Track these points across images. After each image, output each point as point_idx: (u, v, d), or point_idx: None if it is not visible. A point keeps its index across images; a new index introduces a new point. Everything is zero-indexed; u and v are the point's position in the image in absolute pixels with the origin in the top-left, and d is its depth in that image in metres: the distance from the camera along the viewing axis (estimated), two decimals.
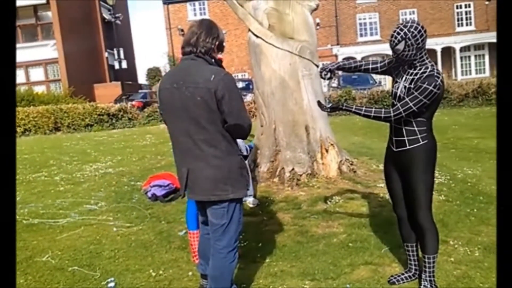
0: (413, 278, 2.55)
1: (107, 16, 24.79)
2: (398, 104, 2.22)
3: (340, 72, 22.19)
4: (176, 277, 2.83)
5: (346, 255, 2.96)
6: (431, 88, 2.14)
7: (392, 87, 2.43)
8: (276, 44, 4.84)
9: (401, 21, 21.32)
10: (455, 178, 4.77)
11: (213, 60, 2.20)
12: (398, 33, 2.18)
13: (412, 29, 2.15)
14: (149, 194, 4.69)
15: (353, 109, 2.34)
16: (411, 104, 2.17)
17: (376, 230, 3.36)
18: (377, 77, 21.58)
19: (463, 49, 25.59)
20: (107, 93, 21.90)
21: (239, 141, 2.83)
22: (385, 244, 3.08)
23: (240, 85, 18.74)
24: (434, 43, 24.76)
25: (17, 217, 4.31)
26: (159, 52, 63.77)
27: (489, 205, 3.80)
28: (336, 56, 25.88)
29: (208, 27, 2.19)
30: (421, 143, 2.26)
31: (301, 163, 4.79)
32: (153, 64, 48.51)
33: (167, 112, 2.23)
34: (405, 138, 2.30)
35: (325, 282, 2.62)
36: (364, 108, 2.33)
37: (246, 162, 4.23)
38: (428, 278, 2.37)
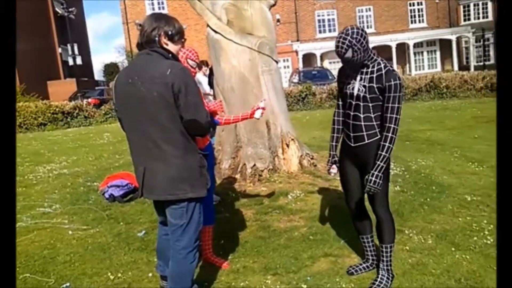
0: (371, 268, 2.63)
1: (60, 10, 23.67)
2: (391, 115, 2.26)
3: (300, 68, 22.49)
4: (135, 279, 2.76)
5: (306, 248, 3.01)
6: (398, 82, 2.25)
7: (344, 88, 2.45)
8: (235, 39, 4.81)
9: (357, 18, 21.87)
10: (410, 169, 4.97)
11: (170, 54, 2.13)
12: (343, 42, 2.23)
13: (355, 35, 2.21)
14: (107, 195, 4.54)
15: (380, 163, 2.27)
16: (397, 105, 2.26)
17: (335, 222, 3.44)
18: (336, 72, 22.12)
19: (416, 45, 26.70)
20: (61, 90, 20.97)
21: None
22: (344, 236, 3.15)
23: None
24: (389, 39, 25.68)
25: None
26: (116, 48, 61.80)
27: (441, 194, 4.00)
28: (296, 52, 26.20)
29: (149, 20, 2.11)
30: (379, 136, 2.33)
31: (263, 159, 4.81)
32: (110, 60, 46.92)
33: (123, 109, 2.13)
34: (364, 133, 2.36)
35: (287, 276, 2.65)
36: (383, 154, 2.27)
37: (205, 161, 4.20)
38: (385, 267, 2.45)
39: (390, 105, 2.26)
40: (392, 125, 2.26)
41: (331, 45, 26.12)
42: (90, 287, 2.68)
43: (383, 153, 2.26)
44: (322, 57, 26.18)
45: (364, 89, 2.32)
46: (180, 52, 2.72)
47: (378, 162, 2.27)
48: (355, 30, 2.23)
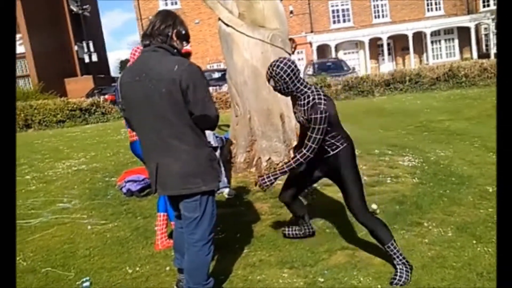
0: (303, 236, 3.00)
1: (74, 8, 23.96)
2: (308, 142, 2.42)
3: (314, 59, 22.30)
4: (153, 273, 2.79)
5: (323, 241, 2.99)
6: (319, 116, 2.36)
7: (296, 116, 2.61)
8: (247, 32, 4.78)
9: (372, 8, 21.40)
10: (428, 160, 4.87)
11: (175, 50, 2.14)
12: (267, 72, 2.46)
13: (275, 68, 2.41)
14: (124, 190, 4.60)
15: (278, 173, 2.56)
16: (316, 136, 2.40)
17: (351, 215, 3.39)
18: (351, 63, 21.83)
19: (434, 33, 26.08)
20: (78, 87, 21.30)
21: (207, 132, 2.81)
22: (361, 229, 3.10)
23: (216, 75, 18.55)
24: (405, 28, 25.15)
25: None
26: (131, 44, 62.35)
27: (460, 185, 3.91)
28: (310, 43, 25.94)
29: (163, 16, 2.12)
30: (341, 147, 2.52)
31: (278, 152, 4.78)
32: (125, 56, 47.34)
33: (130, 108, 2.15)
34: (327, 148, 2.53)
35: (303, 270, 2.63)
36: (285, 166, 2.54)
37: (217, 153, 4.21)
38: (400, 262, 2.41)
39: (310, 134, 2.42)
40: (305, 151, 2.44)
41: (345, 36, 25.91)
42: (109, 281, 2.72)
43: (289, 162, 2.53)
44: (337, 48, 25.86)
45: (305, 121, 2.48)
46: (139, 49, 2.89)
47: (281, 165, 2.59)
48: (277, 63, 2.42)
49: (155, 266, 2.88)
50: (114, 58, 56.89)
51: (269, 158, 4.73)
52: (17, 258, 3.15)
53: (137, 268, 2.86)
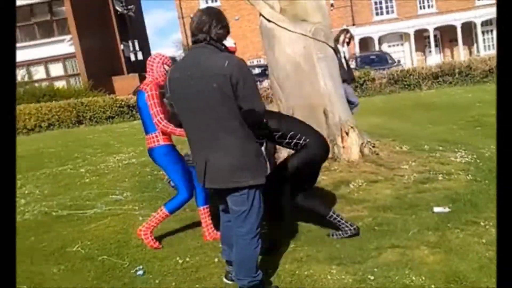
0: (345, 235, 2.99)
1: (119, 8, 24.88)
2: None
3: (357, 52, 21.76)
4: (202, 264, 2.86)
5: (372, 239, 2.93)
6: None
7: None
8: (289, 27, 4.75)
9: None
10: (482, 157, 4.63)
11: (223, 47, 2.21)
12: None
13: None
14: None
15: None
16: None
17: (401, 212, 3.31)
18: (396, 56, 21.11)
19: (484, 23, 24.64)
20: (125, 85, 22.11)
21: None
22: (412, 227, 3.03)
23: (256, 71, 18.61)
24: (453, 19, 23.97)
25: (46, 209, 4.45)
26: (174, 42, 63.86)
27: None
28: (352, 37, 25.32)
29: (218, 16, 2.19)
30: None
31: None
32: (168, 54, 48.63)
33: (180, 103, 2.22)
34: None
35: (352, 267, 2.60)
36: None
37: (262, 148, 4.23)
38: (344, 225, 2.97)
39: None
40: None
41: (389, 28, 25.10)
42: (161, 271, 2.82)
43: None
44: (380, 40, 25.12)
45: None
46: (156, 58, 3.14)
47: None
48: None
49: (204, 257, 2.95)
50: None
51: None
52: (76, 247, 3.35)
53: (187, 259, 2.95)
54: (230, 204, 2.25)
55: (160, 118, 2.94)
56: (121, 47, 24.69)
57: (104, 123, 13.59)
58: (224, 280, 2.59)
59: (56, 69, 21.98)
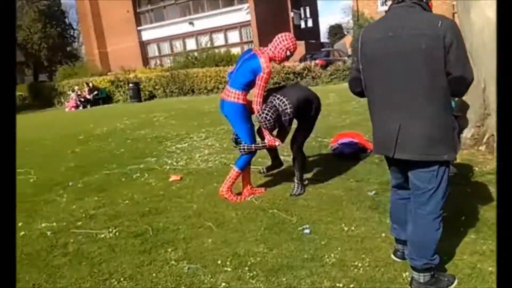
0: None
1: None
2: None
3: None
4: (368, 236, 2.83)
5: None
6: None
7: None
8: None
9: None
10: None
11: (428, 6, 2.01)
12: None
13: None
14: (337, 151, 4.77)
15: None
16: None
17: None
18: None
19: None
20: None
21: None
22: None
23: None
24: None
25: (225, 161, 5.04)
26: (343, 8, 62.28)
27: None
28: None
29: None
30: None
31: None
32: (335, 21, 47.80)
33: (374, 65, 2.08)
34: None
35: None
36: None
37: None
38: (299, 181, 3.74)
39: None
40: None
41: None
42: (326, 233, 2.90)
43: None
44: None
45: None
46: (285, 40, 3.46)
47: None
48: None
49: (370, 230, 2.91)
50: (323, 23, 58.34)
51: None
52: (250, 197, 3.71)
53: (352, 228, 2.95)
54: (414, 180, 2.09)
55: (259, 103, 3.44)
56: (291, 14, 25.37)
57: None
58: (392, 256, 2.51)
59: (233, 36, 24.12)
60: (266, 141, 3.60)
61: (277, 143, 3.63)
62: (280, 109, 3.41)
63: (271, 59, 3.45)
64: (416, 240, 2.15)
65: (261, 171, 4.22)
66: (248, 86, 3.45)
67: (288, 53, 3.44)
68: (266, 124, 3.40)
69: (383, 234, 2.80)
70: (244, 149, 3.58)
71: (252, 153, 3.66)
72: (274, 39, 3.47)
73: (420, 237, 2.13)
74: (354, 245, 2.72)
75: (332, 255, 2.60)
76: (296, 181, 3.75)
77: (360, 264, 2.48)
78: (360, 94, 2.31)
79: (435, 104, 1.93)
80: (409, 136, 1.99)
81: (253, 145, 3.59)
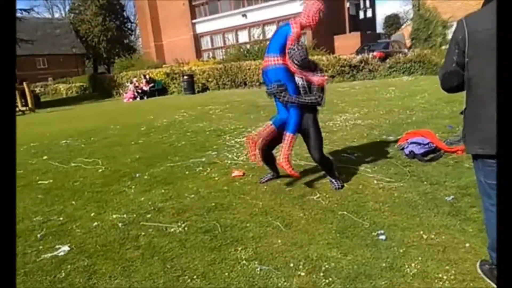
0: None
1: None
2: None
3: None
4: (450, 245, 2.63)
5: None
6: None
7: None
8: None
9: None
10: None
11: None
12: None
13: None
14: (406, 151, 4.52)
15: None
16: None
17: None
18: None
19: None
20: (346, 44, 22.24)
21: None
22: None
23: None
24: None
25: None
26: None
27: None
28: None
29: None
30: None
31: None
32: (391, 11, 45.77)
33: (484, 57, 1.88)
34: None
35: None
36: None
37: None
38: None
39: None
40: None
41: None
42: (404, 241, 2.73)
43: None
44: None
45: None
46: (316, 3, 3.55)
47: None
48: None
49: (452, 239, 2.70)
50: (380, 13, 55.98)
51: None
52: (316, 196, 3.61)
53: (432, 236, 2.76)
54: None
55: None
56: (347, 5, 24.62)
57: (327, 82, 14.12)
58: (478, 271, 2.30)
59: None
60: (314, 80, 3.59)
61: (325, 77, 3.71)
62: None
63: (303, 27, 3.59)
64: None
65: (262, 180, 4.19)
66: (284, 49, 3.57)
67: (321, 14, 3.56)
68: (300, 55, 3.45)
69: (467, 244, 2.59)
70: (285, 97, 3.58)
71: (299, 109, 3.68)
72: (303, 8, 3.60)
73: None
74: (436, 255, 2.53)
75: (413, 265, 2.44)
76: (329, 179, 3.88)
77: (445, 277, 2.30)
78: (455, 89, 2.12)
79: None
80: None
81: (297, 98, 3.63)
